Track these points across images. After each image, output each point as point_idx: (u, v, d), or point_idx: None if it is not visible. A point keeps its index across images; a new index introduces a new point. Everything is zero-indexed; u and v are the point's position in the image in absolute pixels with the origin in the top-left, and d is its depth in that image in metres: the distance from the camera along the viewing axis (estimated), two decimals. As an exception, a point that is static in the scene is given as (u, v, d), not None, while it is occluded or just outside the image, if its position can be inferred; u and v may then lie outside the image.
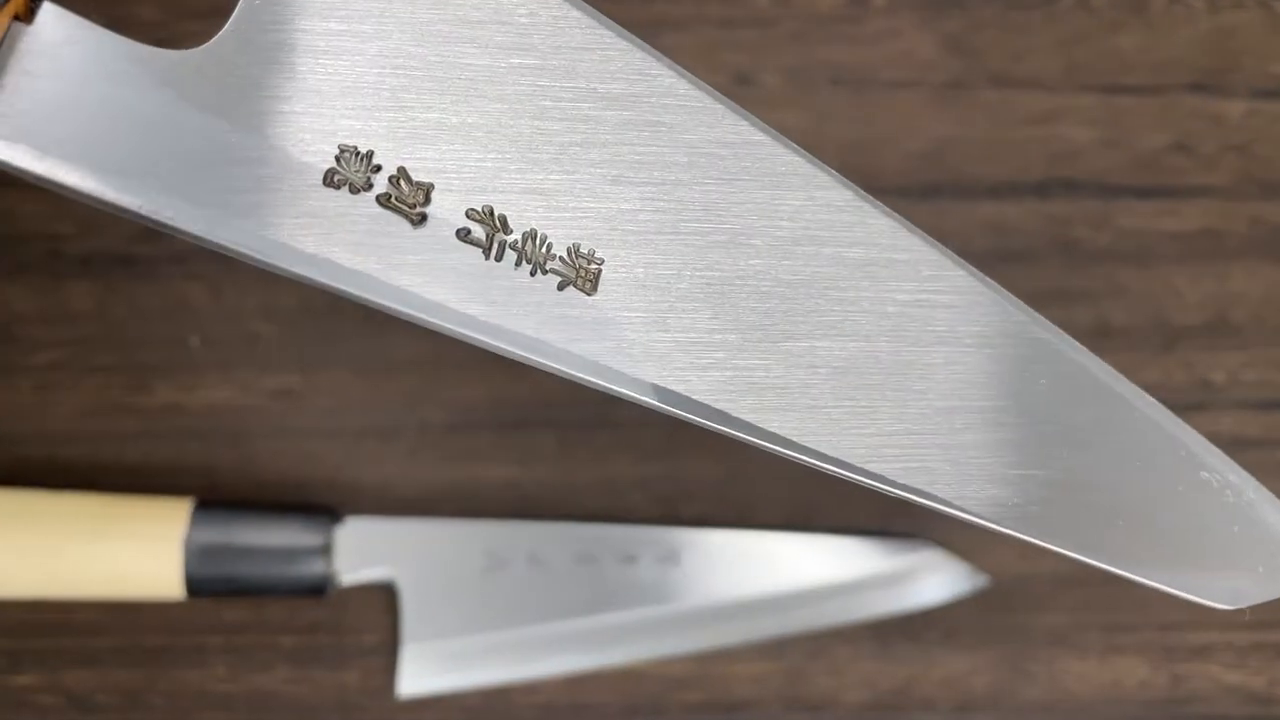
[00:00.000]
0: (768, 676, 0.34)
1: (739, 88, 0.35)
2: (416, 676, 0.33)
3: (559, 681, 0.33)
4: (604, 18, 0.20)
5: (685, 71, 0.20)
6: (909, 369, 0.21)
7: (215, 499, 0.32)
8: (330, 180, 0.19)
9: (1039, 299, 0.35)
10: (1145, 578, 0.22)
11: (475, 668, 0.33)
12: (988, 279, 0.21)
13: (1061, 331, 0.22)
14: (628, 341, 0.20)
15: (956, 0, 0.35)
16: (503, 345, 0.19)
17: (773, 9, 0.35)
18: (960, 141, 0.35)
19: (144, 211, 0.18)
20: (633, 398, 0.20)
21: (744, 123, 0.20)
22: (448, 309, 0.19)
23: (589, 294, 0.19)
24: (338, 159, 0.19)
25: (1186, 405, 0.35)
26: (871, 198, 0.21)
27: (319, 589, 0.32)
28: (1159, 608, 0.34)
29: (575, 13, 0.20)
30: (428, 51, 0.19)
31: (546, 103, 0.19)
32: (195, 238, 0.18)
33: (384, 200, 0.19)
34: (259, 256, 0.18)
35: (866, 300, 0.21)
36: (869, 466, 0.21)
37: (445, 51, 0.19)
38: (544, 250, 0.19)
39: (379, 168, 0.19)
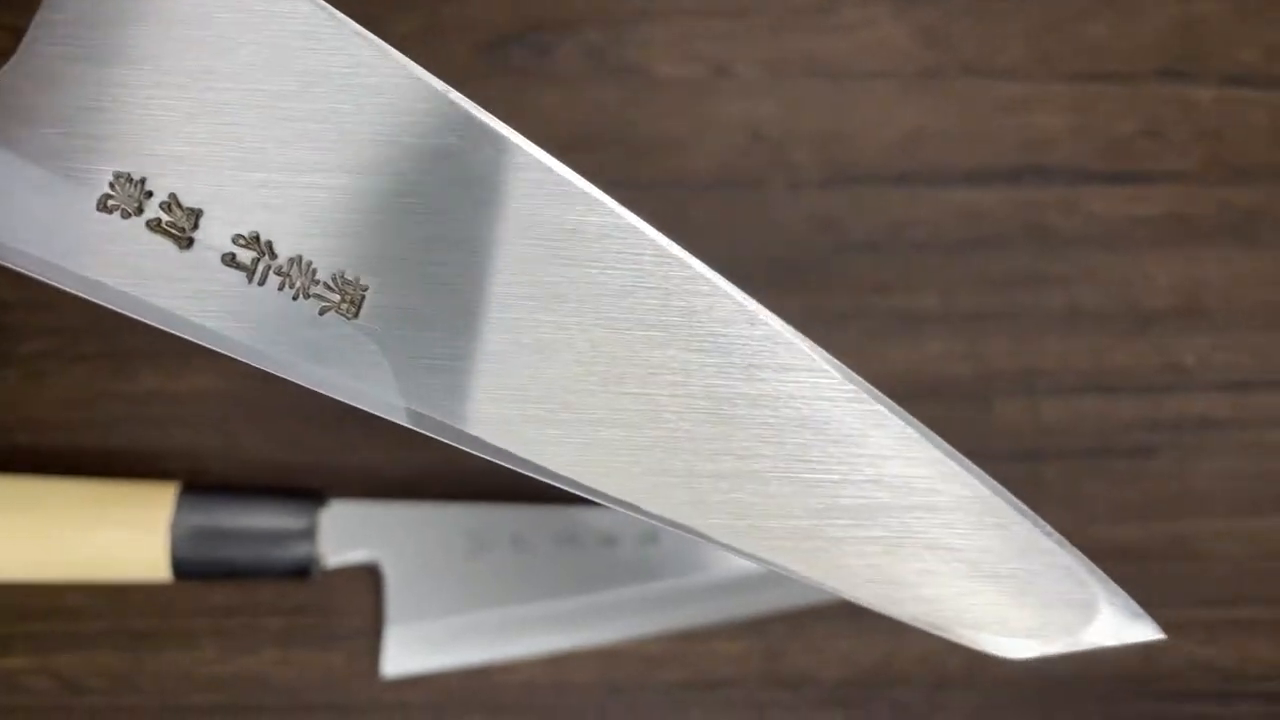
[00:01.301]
0: (747, 654, 0.34)
1: (716, 78, 0.35)
2: (401, 657, 0.33)
3: (541, 661, 0.34)
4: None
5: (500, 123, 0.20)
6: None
7: (201, 483, 0.33)
8: (104, 205, 0.19)
9: (1011, 284, 0.36)
10: (903, 615, 0.22)
11: (459, 648, 0.33)
12: None
13: None
14: (385, 366, 0.20)
15: (929, -10, 0.36)
16: (266, 367, 0.20)
17: (748, 0, 0.35)
18: (934, 130, 0.36)
19: None
20: (395, 420, 0.20)
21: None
22: (210, 331, 0.20)
23: (350, 318, 0.20)
24: (111, 185, 0.19)
25: (1157, 387, 0.35)
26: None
27: (304, 571, 0.32)
28: (1130, 585, 0.35)
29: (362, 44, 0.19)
30: (207, 79, 0.19)
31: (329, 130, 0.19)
32: None
33: (154, 225, 0.19)
34: (41, 277, 0.19)
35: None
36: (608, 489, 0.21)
37: (226, 79, 0.19)
38: (309, 275, 0.20)
39: (151, 193, 0.19)
